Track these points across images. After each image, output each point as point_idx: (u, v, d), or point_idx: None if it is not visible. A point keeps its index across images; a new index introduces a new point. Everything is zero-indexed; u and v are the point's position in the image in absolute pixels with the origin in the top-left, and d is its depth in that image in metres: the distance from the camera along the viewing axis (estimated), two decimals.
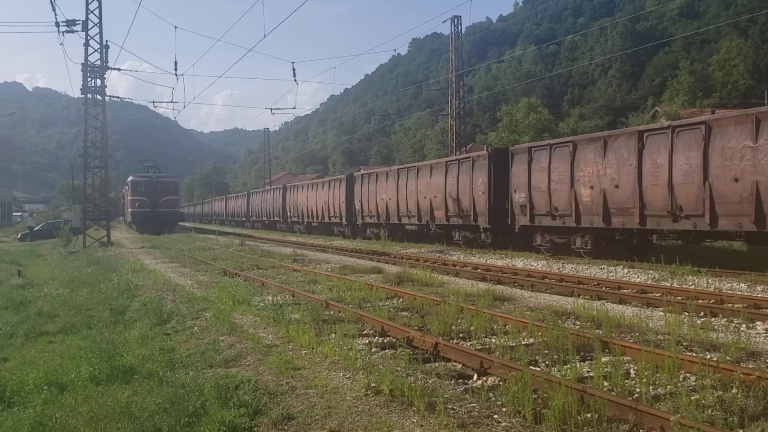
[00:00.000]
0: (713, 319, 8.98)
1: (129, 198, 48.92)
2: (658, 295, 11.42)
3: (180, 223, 56.39)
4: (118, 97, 42.79)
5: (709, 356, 6.57)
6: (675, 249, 17.43)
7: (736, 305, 9.92)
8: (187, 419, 5.37)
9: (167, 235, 41.17)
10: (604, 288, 12.52)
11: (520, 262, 18.38)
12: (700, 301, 10.33)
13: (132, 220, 49.28)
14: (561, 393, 4.95)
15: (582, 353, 6.92)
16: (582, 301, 10.23)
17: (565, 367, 6.24)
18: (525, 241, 21.00)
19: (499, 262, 18.53)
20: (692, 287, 12.15)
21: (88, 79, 31.77)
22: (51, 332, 10.58)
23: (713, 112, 17.51)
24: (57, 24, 30.65)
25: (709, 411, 4.98)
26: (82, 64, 31.44)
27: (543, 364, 6.53)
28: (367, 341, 7.93)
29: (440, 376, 6.13)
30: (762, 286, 11.99)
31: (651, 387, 5.62)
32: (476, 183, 22.70)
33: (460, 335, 8.21)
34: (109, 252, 27.36)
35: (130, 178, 50.47)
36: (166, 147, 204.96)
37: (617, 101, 69.07)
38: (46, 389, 6.82)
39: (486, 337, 8.06)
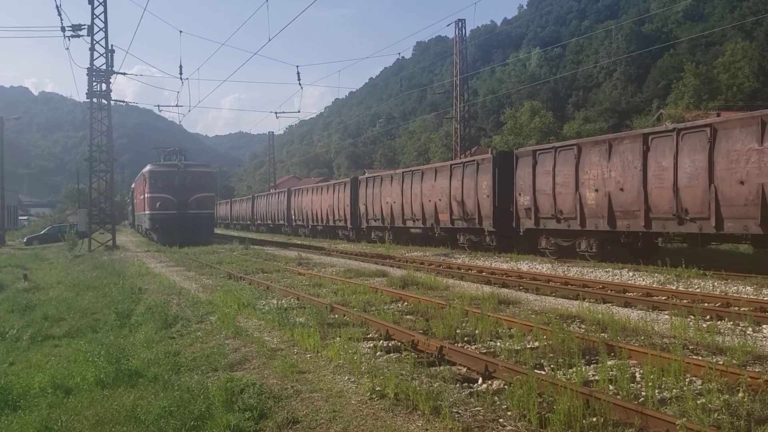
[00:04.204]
0: (719, 322, 8.94)
1: (146, 196, 34.66)
2: (663, 298, 11.40)
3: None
4: (123, 101, 42.16)
5: (715, 360, 6.54)
6: (680, 252, 17.37)
7: (743, 308, 9.90)
8: (192, 423, 5.38)
9: (202, 247, 29.81)
10: (609, 291, 12.49)
11: (524, 265, 18.35)
12: (706, 304, 10.29)
13: (151, 225, 34.77)
14: (566, 397, 4.94)
15: (587, 357, 6.91)
16: (587, 304, 10.20)
17: (571, 370, 6.22)
18: (530, 244, 20.96)
19: (504, 266, 18.51)
20: (698, 290, 12.11)
21: (94, 84, 31.93)
22: (57, 336, 10.64)
23: (718, 115, 17.45)
24: (63, 29, 30.91)
25: (716, 415, 4.96)
26: (88, 68, 31.63)
27: (548, 368, 6.51)
28: (371, 345, 7.93)
29: (445, 380, 6.13)
30: None
31: (657, 391, 5.60)
32: (481, 186, 22.69)
33: (465, 339, 8.19)
34: (115, 256, 27.45)
35: (147, 168, 35.75)
36: None
37: (622, 104, 68.89)
38: (52, 392, 6.86)
39: (491, 340, 8.05)
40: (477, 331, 8.40)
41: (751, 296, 11.31)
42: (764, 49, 58.58)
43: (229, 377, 6.48)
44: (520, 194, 20.77)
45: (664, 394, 5.61)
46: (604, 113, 66.99)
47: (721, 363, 6.20)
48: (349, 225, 34.58)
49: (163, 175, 34.20)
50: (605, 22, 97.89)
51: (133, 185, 51.22)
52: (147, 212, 34.88)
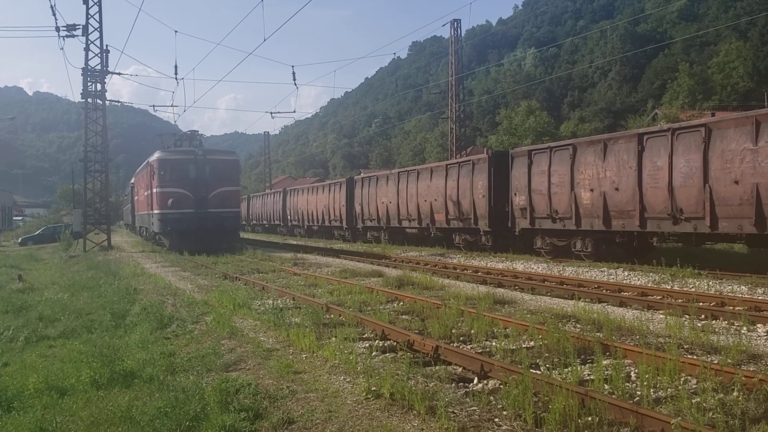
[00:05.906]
0: (714, 321, 8.97)
1: (155, 191, 27.34)
2: (658, 297, 11.42)
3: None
4: (118, 102, 42.06)
5: (710, 359, 6.56)
6: (675, 251, 17.41)
7: (737, 308, 9.92)
8: (187, 423, 5.37)
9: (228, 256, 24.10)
10: (604, 291, 12.51)
11: (520, 265, 18.37)
12: (701, 303, 10.31)
13: (161, 228, 27.16)
14: (562, 396, 4.94)
15: (583, 356, 6.91)
16: (582, 303, 10.22)
17: (566, 370, 6.23)
18: (525, 244, 20.98)
19: (500, 265, 18.53)
20: (693, 290, 12.14)
21: (89, 84, 31.85)
22: (51, 336, 10.59)
23: (713, 115, 17.48)
24: (57, 29, 30.75)
25: (711, 414, 4.97)
26: (83, 68, 31.50)
27: (544, 367, 6.52)
28: (367, 345, 7.92)
29: (441, 380, 6.13)
30: (763, 289, 11.98)
31: (652, 390, 5.62)
32: (476, 186, 22.71)
33: (461, 338, 8.20)
34: (110, 256, 27.36)
35: (155, 156, 27.88)
36: None
37: (617, 104, 69.15)
38: (47, 394, 6.83)
39: (486, 340, 8.06)
40: (473, 331, 8.40)
41: (746, 295, 11.35)
42: (759, 49, 58.86)
43: (225, 378, 6.47)
44: (515, 194, 20.79)
45: (660, 393, 5.62)
46: (599, 113, 67.22)
47: (715, 362, 6.21)
48: (344, 225, 34.56)
49: (177, 165, 27.04)
50: (600, 22, 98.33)
51: (132, 180, 43.29)
52: (155, 212, 27.41)
